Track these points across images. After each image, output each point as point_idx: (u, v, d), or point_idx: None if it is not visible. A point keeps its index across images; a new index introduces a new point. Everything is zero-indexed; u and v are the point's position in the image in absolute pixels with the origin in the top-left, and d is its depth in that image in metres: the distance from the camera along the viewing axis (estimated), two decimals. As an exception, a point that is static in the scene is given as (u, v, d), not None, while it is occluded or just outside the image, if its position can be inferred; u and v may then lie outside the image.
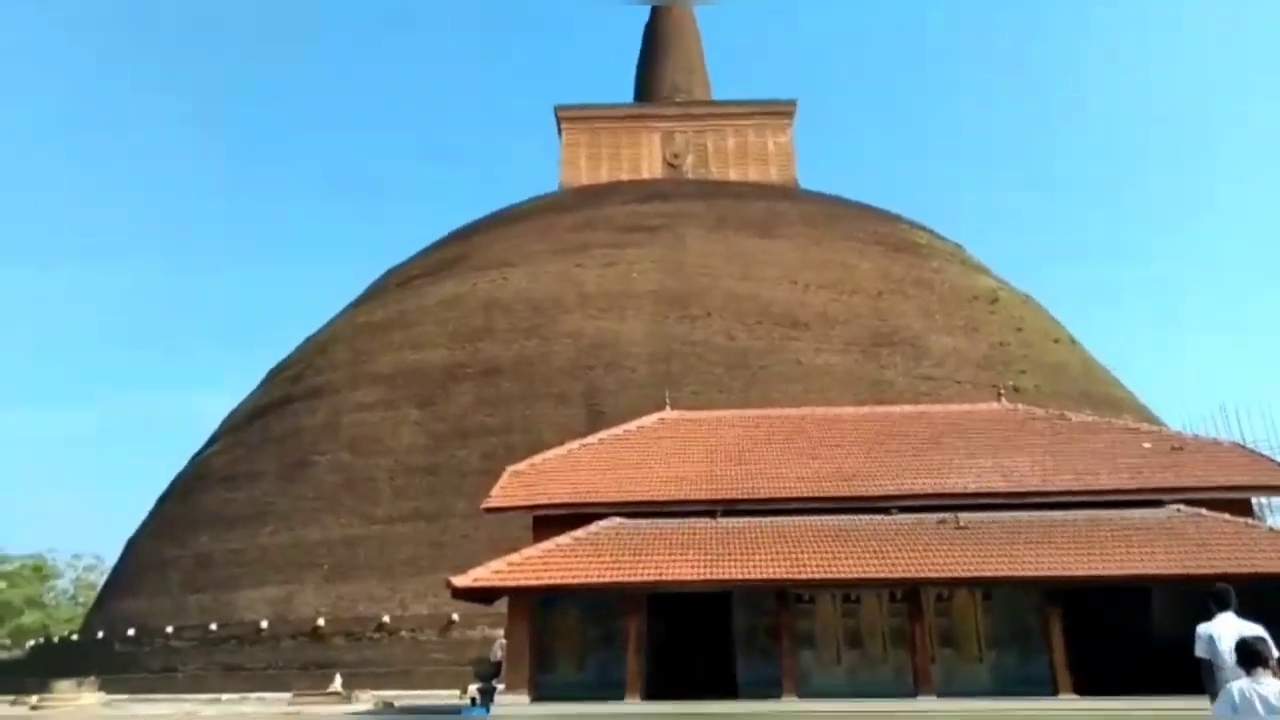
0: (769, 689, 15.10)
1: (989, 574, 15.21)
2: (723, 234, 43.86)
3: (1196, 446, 19.58)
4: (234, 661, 30.94)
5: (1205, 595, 8.32)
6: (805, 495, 17.70)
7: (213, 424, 46.07)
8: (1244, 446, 19.25)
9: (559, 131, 57.48)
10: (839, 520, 17.13)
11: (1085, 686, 14.69)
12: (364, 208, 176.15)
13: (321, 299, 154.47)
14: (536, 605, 16.06)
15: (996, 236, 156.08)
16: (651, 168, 55.39)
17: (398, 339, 40.91)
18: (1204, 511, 16.90)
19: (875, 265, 42.95)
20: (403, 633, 30.09)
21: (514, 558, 15.77)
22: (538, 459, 19.49)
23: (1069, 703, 14.41)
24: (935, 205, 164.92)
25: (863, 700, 14.80)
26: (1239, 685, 5.93)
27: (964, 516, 17.01)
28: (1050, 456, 19.27)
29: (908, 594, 15.64)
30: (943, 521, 16.63)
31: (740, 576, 14.97)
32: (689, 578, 15.00)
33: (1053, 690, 14.79)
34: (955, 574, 15.20)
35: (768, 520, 17.05)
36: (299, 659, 29.99)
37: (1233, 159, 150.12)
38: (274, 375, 45.48)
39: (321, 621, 30.60)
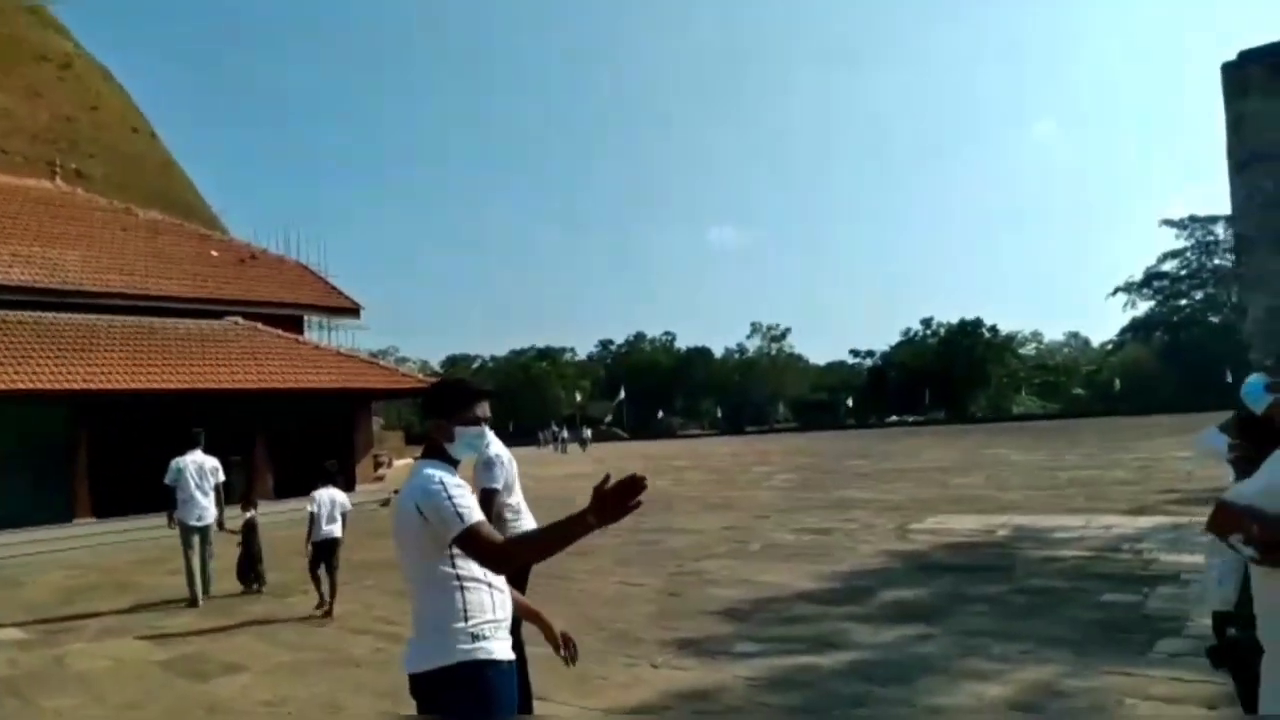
0: None
1: (5, 388, 12.26)
2: None
3: (265, 262, 19.51)
4: None
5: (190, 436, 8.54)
6: None
7: None
8: (307, 267, 19.89)
9: None
10: None
11: (107, 509, 13.17)
12: None
13: None
14: None
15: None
16: None
17: None
18: (260, 326, 16.88)
19: (-98, -26, 31.84)
20: None
21: None
22: None
23: (80, 528, 12.69)
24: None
25: None
26: (320, 494, 6.99)
27: (-20, 314, 13.50)
28: (106, 253, 16.78)
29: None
30: None
31: None
32: None
33: (69, 516, 12.90)
34: (-46, 386, 11.84)
35: None
36: None
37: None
38: None
39: None
